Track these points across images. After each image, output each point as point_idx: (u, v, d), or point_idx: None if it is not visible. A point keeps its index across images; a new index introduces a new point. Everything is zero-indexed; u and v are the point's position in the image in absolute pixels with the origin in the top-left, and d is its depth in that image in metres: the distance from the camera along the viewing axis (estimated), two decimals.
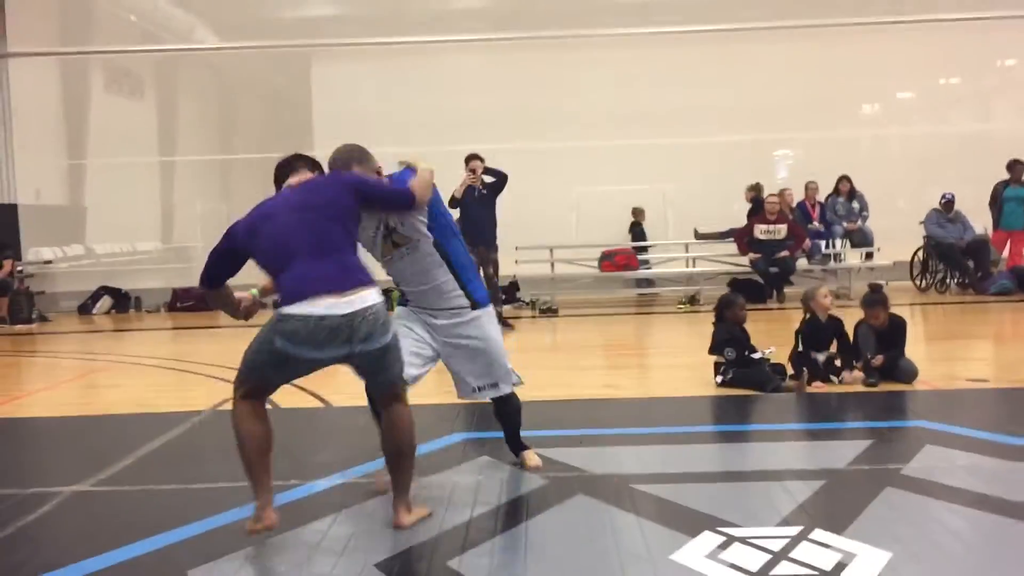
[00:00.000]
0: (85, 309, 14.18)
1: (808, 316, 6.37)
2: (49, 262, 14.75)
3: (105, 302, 14.27)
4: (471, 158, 9.58)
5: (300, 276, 3.30)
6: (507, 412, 4.29)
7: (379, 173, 3.83)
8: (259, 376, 3.43)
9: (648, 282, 13.46)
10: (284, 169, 3.73)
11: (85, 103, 15.38)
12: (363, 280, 3.35)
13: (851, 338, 6.31)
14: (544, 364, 7.57)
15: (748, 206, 13.03)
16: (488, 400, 4.23)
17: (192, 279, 14.87)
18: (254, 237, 3.45)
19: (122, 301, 14.36)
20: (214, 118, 16.37)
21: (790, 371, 6.26)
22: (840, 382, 6.14)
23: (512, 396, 4.22)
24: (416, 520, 3.57)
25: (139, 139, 15.49)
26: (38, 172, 15.26)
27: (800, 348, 6.26)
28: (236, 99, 16.14)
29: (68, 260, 15.22)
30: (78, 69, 15.34)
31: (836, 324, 6.35)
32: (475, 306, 4.02)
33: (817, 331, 6.29)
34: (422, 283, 3.97)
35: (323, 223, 3.40)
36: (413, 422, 3.57)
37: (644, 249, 13.41)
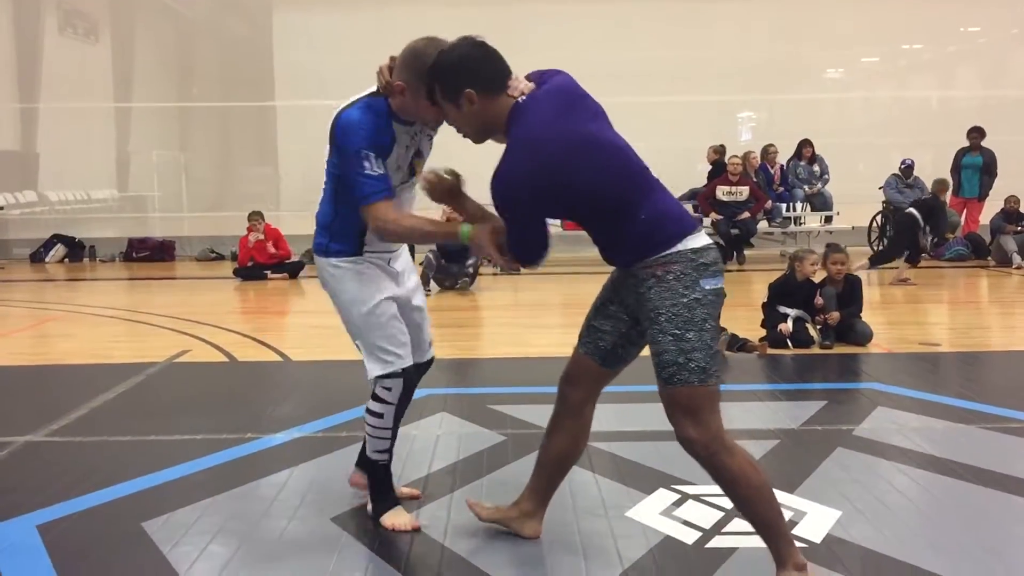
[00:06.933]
0: (38, 257, 13.91)
1: (787, 273, 6.50)
2: (1, 208, 14.43)
3: (59, 250, 14.00)
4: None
5: (675, 204, 2.73)
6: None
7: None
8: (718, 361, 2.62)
9: None
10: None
11: (38, 45, 14.91)
12: None
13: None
14: (503, 322, 7.58)
15: (709, 167, 13.04)
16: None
17: (148, 229, 14.65)
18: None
19: (76, 250, 14.09)
20: (172, 64, 15.98)
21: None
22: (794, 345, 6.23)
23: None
24: None
25: (94, 84, 15.09)
26: None
27: (767, 299, 6.40)
28: (195, 45, 15.75)
29: (20, 207, 14.88)
30: (30, 10, 14.86)
31: (808, 285, 6.43)
32: None
33: (788, 287, 6.41)
34: None
35: None
36: None
37: None
